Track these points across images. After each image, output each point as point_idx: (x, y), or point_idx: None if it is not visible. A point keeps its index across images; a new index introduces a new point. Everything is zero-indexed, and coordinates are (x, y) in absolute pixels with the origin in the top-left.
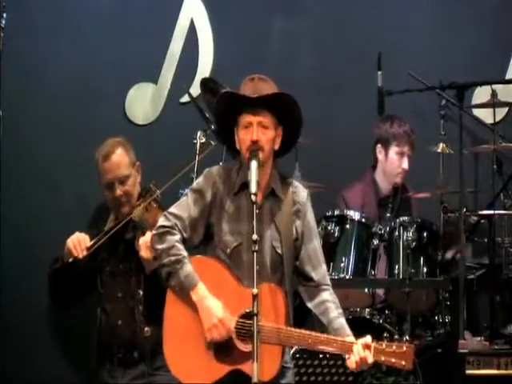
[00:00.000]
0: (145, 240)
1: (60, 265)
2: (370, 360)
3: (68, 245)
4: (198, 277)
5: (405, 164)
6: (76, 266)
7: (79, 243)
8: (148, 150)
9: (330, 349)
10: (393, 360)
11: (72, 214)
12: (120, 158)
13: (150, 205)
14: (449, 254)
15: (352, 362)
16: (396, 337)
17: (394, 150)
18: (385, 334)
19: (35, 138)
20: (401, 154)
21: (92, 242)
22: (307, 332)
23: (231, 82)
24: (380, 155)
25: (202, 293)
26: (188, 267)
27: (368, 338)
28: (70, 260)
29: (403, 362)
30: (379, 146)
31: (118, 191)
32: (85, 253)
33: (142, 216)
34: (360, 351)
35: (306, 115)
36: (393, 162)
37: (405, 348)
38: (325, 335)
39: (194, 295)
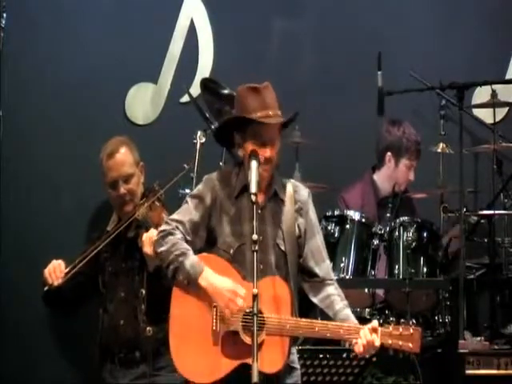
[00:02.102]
0: (148, 236)
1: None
2: (377, 343)
3: (44, 273)
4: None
5: (411, 176)
6: (63, 291)
7: (54, 271)
8: (148, 150)
9: (337, 335)
10: (400, 343)
11: (72, 214)
12: (124, 157)
13: (153, 204)
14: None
15: (359, 346)
16: (402, 320)
17: (404, 163)
18: (391, 318)
19: (35, 137)
20: (410, 167)
21: (70, 267)
22: (314, 320)
23: (231, 82)
24: (389, 163)
25: (209, 275)
26: (192, 257)
27: (375, 322)
28: (46, 288)
29: (410, 345)
30: (389, 154)
31: (122, 189)
32: (60, 281)
33: (146, 215)
34: (367, 335)
35: (307, 115)
36: (402, 173)
37: (412, 330)
38: (331, 322)
39: (202, 281)
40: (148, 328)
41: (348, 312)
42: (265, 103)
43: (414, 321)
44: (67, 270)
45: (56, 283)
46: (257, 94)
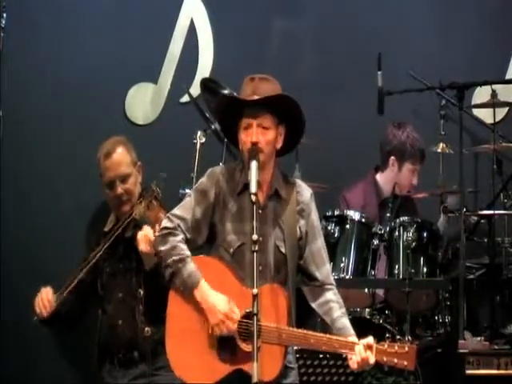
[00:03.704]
0: (144, 233)
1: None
2: (372, 361)
3: (34, 303)
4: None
5: (415, 180)
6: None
7: (42, 300)
8: (148, 150)
9: (332, 349)
10: (395, 360)
11: (72, 213)
12: (121, 157)
13: (151, 203)
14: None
15: (354, 362)
16: (398, 337)
17: (407, 167)
18: (387, 335)
19: (35, 138)
20: (413, 171)
21: (61, 290)
22: (309, 332)
23: (231, 82)
24: (393, 167)
25: (204, 290)
26: (190, 266)
27: (370, 339)
28: (35, 319)
29: (405, 363)
30: (393, 158)
31: (119, 189)
32: (49, 310)
33: (144, 214)
34: (362, 352)
35: (306, 115)
36: (405, 178)
37: (407, 348)
38: (327, 335)
39: (197, 293)
40: (146, 328)
41: (345, 321)
42: (255, 90)
43: (417, 319)
44: (57, 294)
45: (45, 314)
46: (251, 82)
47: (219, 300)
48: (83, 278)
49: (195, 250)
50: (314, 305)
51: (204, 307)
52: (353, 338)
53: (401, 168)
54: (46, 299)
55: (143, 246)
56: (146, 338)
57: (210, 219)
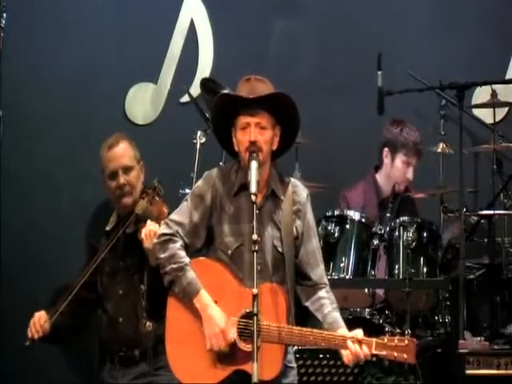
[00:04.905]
0: (148, 230)
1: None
2: (364, 354)
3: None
4: (200, 281)
5: (409, 174)
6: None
7: (34, 326)
8: (148, 150)
9: (332, 345)
10: (395, 354)
11: (72, 213)
12: (124, 149)
13: (153, 199)
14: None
15: (345, 356)
16: (398, 330)
17: (400, 159)
18: (387, 329)
19: (35, 137)
20: (407, 164)
21: (49, 314)
22: (308, 329)
23: (231, 82)
24: (386, 159)
25: (204, 301)
26: (190, 274)
27: (359, 333)
28: (27, 343)
29: (405, 356)
30: (386, 149)
31: (122, 180)
32: (41, 334)
33: (147, 209)
34: (356, 347)
35: (307, 115)
36: (398, 170)
37: (406, 341)
38: (326, 332)
39: (197, 302)
40: (148, 323)
41: (336, 315)
42: (251, 90)
43: (417, 319)
44: (51, 314)
45: (36, 338)
46: (247, 83)
47: (219, 314)
48: (87, 280)
49: (193, 253)
50: (306, 304)
51: (202, 316)
52: (343, 329)
53: (394, 160)
54: (38, 324)
55: (149, 243)
56: (147, 334)
57: (207, 223)
